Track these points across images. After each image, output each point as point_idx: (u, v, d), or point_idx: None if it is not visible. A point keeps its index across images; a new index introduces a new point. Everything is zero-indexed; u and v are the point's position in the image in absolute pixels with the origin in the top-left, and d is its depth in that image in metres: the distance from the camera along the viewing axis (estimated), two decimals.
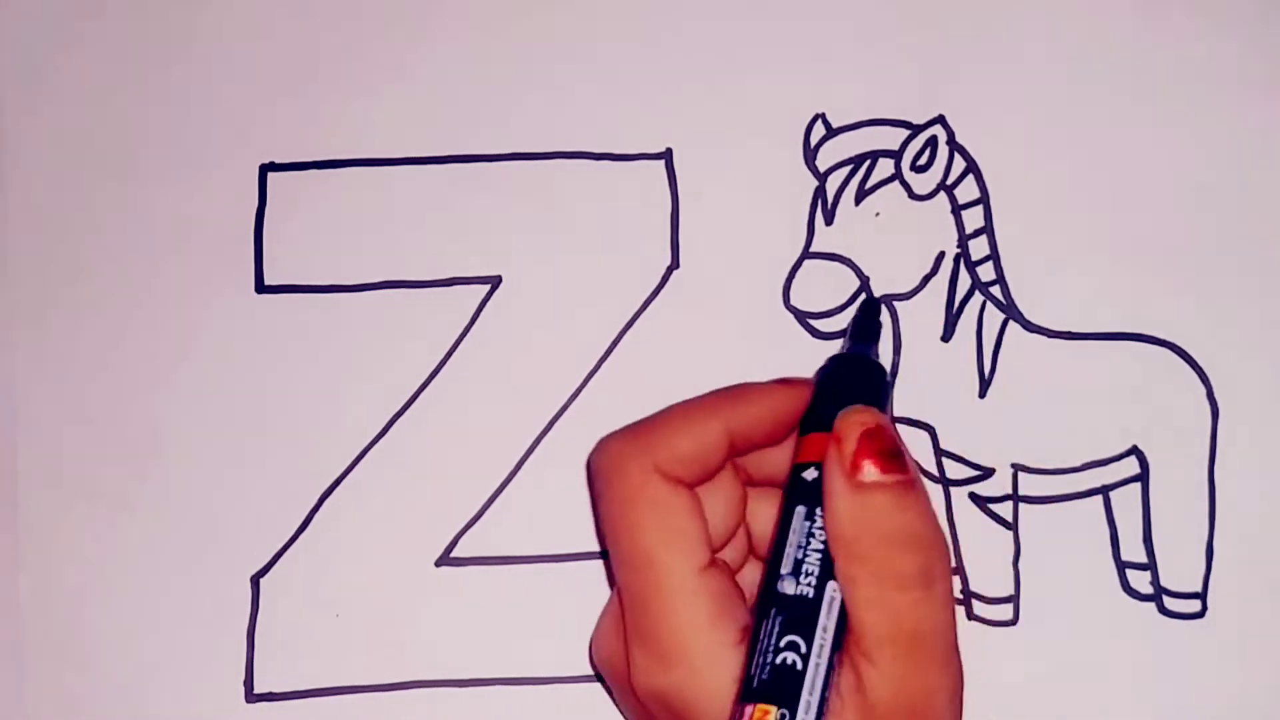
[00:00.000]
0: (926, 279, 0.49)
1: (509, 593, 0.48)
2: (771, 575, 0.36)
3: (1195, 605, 0.47)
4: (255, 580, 0.48)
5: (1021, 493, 0.47)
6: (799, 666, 0.35)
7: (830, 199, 0.49)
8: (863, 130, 0.49)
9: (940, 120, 0.49)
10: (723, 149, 0.49)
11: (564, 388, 0.49)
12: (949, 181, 0.49)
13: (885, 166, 0.49)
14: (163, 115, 0.50)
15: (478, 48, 0.50)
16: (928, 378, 0.48)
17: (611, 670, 0.40)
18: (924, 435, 0.48)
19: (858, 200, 0.49)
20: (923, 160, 0.49)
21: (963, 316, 0.49)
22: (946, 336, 0.49)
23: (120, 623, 0.48)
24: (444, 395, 0.49)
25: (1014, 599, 0.47)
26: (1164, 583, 0.47)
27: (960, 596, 0.47)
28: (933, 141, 0.49)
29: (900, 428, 0.47)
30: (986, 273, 0.49)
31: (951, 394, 0.48)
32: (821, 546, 0.36)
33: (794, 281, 0.49)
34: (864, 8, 0.50)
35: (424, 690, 0.48)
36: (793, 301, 0.49)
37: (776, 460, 0.40)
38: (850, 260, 0.49)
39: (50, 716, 0.47)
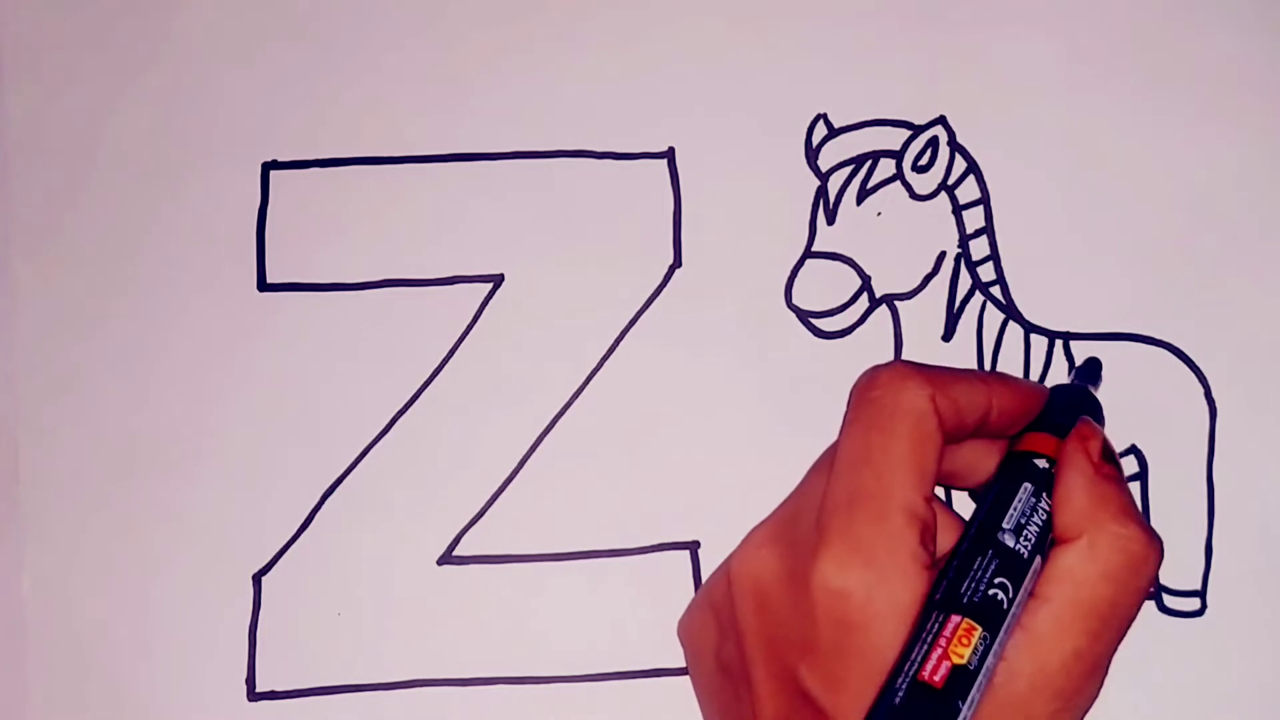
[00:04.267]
0: (927, 279, 0.49)
1: (511, 591, 0.48)
2: (991, 525, 0.39)
3: (1194, 603, 0.47)
4: (257, 579, 0.48)
5: None
6: (1005, 605, 0.37)
7: (832, 199, 0.49)
8: (864, 130, 0.50)
9: (941, 121, 0.49)
10: (725, 148, 0.50)
11: (566, 386, 0.49)
12: (950, 182, 0.49)
13: (887, 166, 0.49)
14: (165, 113, 0.50)
15: (480, 46, 0.50)
16: None
17: (758, 579, 0.40)
18: None
19: (859, 200, 0.49)
20: (924, 160, 0.49)
21: (963, 316, 0.49)
22: (947, 336, 0.49)
23: (122, 621, 0.48)
24: (446, 394, 0.49)
25: None
26: (1163, 580, 0.47)
27: None
28: (934, 142, 0.49)
29: None
30: (987, 273, 0.49)
31: None
32: (1041, 524, 0.39)
33: (796, 281, 0.49)
34: (866, 8, 0.50)
35: (426, 689, 0.48)
36: (794, 301, 0.49)
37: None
38: (852, 260, 0.49)
39: (53, 715, 0.47)
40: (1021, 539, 0.38)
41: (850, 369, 0.48)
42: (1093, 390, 0.45)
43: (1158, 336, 0.49)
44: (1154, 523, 0.48)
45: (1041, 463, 0.40)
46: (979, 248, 0.49)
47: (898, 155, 0.49)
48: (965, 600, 0.37)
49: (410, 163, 0.50)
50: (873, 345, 0.49)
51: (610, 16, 0.50)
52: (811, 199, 0.49)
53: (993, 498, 0.40)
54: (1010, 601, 0.37)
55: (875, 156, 0.49)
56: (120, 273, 0.49)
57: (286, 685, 0.48)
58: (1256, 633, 0.47)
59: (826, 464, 0.40)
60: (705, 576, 0.48)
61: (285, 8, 0.51)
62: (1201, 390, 0.48)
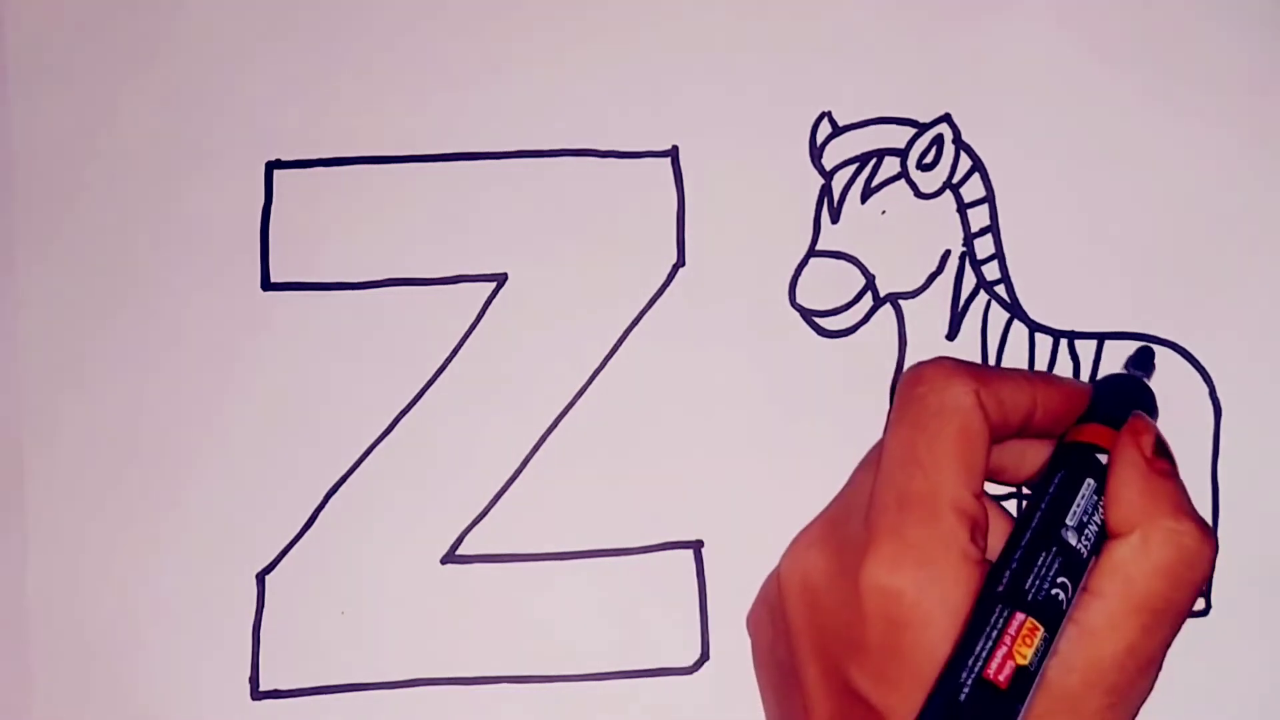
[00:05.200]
0: (932, 277, 0.49)
1: (514, 591, 0.48)
2: (1053, 521, 0.38)
3: (1199, 603, 0.47)
4: (261, 577, 0.48)
5: (1026, 490, 0.48)
6: (1064, 606, 0.37)
7: (836, 197, 0.49)
8: (869, 128, 0.49)
9: (946, 119, 0.49)
10: (729, 146, 0.50)
11: (569, 385, 0.49)
12: (955, 180, 0.49)
13: (891, 165, 0.49)
14: (169, 113, 0.50)
15: (484, 45, 0.50)
16: None
17: (808, 578, 0.40)
18: None
19: (864, 198, 0.49)
20: (929, 158, 0.49)
21: (968, 315, 0.49)
22: (951, 335, 0.49)
23: (126, 620, 0.48)
24: (449, 392, 0.49)
25: None
26: None
27: None
28: (939, 140, 0.49)
29: None
30: (991, 271, 0.49)
31: None
32: (1100, 523, 0.39)
33: (800, 279, 0.49)
34: (870, 6, 0.50)
35: (429, 688, 0.48)
36: (798, 300, 0.49)
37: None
38: (856, 258, 0.49)
39: (56, 714, 0.47)
40: (1083, 537, 0.38)
41: (854, 368, 0.49)
42: (1145, 380, 0.44)
43: (1163, 336, 0.49)
44: None
45: (1104, 457, 0.40)
46: (984, 246, 0.49)
47: (902, 153, 0.49)
48: (1029, 598, 0.37)
49: (414, 162, 0.50)
50: (877, 344, 0.49)
51: (613, 15, 0.50)
52: (815, 197, 0.49)
53: (1054, 491, 0.39)
54: (1068, 602, 0.37)
55: (880, 155, 0.49)
56: (124, 272, 0.49)
57: (290, 684, 0.48)
58: (1261, 632, 0.47)
59: (873, 462, 0.40)
60: (709, 575, 0.48)
61: (289, 6, 0.51)
62: (1206, 390, 0.48)
